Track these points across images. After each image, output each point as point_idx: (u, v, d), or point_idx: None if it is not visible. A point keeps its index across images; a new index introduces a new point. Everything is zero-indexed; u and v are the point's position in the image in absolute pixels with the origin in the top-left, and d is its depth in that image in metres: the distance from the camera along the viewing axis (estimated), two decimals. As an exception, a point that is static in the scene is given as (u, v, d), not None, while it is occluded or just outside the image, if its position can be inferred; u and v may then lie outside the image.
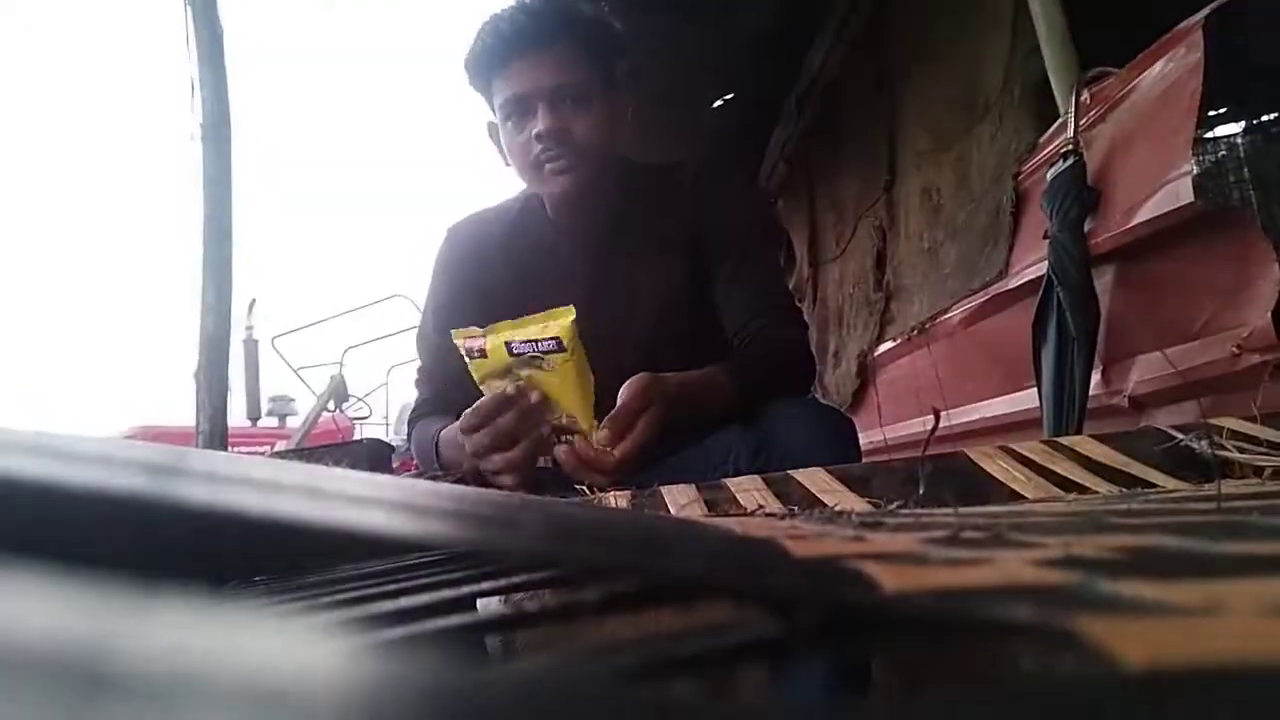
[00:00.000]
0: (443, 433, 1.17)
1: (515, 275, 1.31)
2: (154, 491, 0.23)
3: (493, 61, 1.19)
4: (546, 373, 0.99)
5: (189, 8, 2.25)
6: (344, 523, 0.23)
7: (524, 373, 0.99)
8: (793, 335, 1.25)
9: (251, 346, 4.62)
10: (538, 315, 1.00)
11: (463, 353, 1.04)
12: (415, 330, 1.41)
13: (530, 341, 0.97)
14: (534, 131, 1.17)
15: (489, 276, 1.32)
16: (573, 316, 0.97)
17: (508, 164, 1.26)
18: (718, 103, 3.34)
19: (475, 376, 1.04)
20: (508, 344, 0.99)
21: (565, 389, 1.00)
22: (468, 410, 1.03)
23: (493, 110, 1.25)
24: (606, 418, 1.00)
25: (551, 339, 0.97)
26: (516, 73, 1.18)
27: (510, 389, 0.99)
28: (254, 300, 4.69)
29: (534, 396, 1.00)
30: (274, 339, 4.78)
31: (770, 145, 3.79)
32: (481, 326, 1.35)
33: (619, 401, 1.01)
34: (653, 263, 1.29)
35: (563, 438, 1.02)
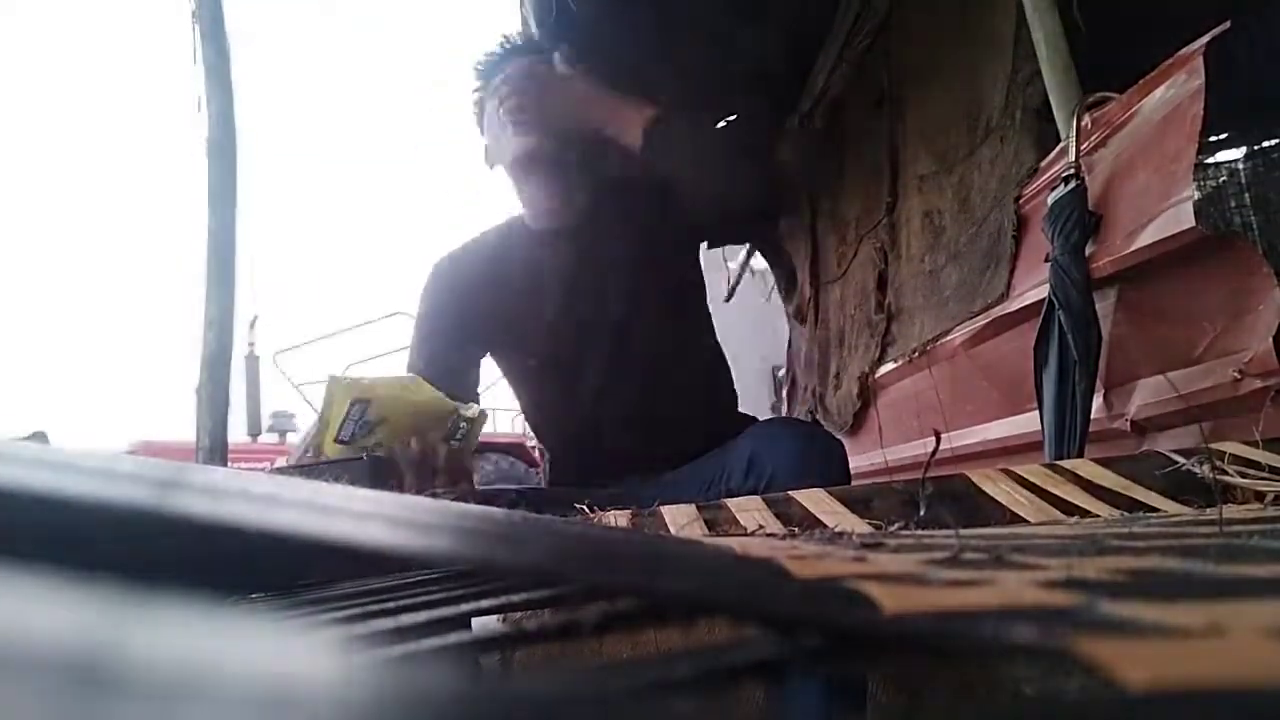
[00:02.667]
0: None
1: (499, 298, 1.37)
2: (154, 506, 0.23)
3: (488, 74, 1.34)
4: (385, 421, 1.00)
5: (196, 26, 2.27)
6: (345, 538, 0.23)
7: (370, 440, 1.01)
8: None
9: (253, 363, 4.63)
10: (325, 409, 1.01)
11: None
12: (406, 364, 1.44)
13: (348, 423, 0.99)
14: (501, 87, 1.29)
15: (474, 306, 1.37)
16: (344, 382, 0.99)
17: (489, 160, 1.38)
18: (720, 124, 3.35)
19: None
20: (337, 440, 1.00)
21: (405, 417, 1.02)
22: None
23: (485, 129, 1.39)
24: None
25: (356, 405, 0.98)
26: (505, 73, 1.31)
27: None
28: (256, 316, 4.71)
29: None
30: (276, 355, 4.79)
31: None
32: (471, 354, 1.39)
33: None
34: (627, 264, 1.33)
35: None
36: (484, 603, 0.29)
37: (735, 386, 1.44)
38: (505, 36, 1.35)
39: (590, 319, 1.32)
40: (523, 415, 1.55)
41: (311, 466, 0.98)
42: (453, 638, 0.24)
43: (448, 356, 1.36)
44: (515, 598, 0.28)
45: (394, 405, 1.00)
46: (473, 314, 1.37)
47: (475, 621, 0.28)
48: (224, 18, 2.29)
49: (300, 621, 0.30)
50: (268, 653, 0.11)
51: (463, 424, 1.06)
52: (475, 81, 1.36)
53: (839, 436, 2.85)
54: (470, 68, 1.35)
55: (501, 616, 0.28)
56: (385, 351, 4.97)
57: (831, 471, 1.03)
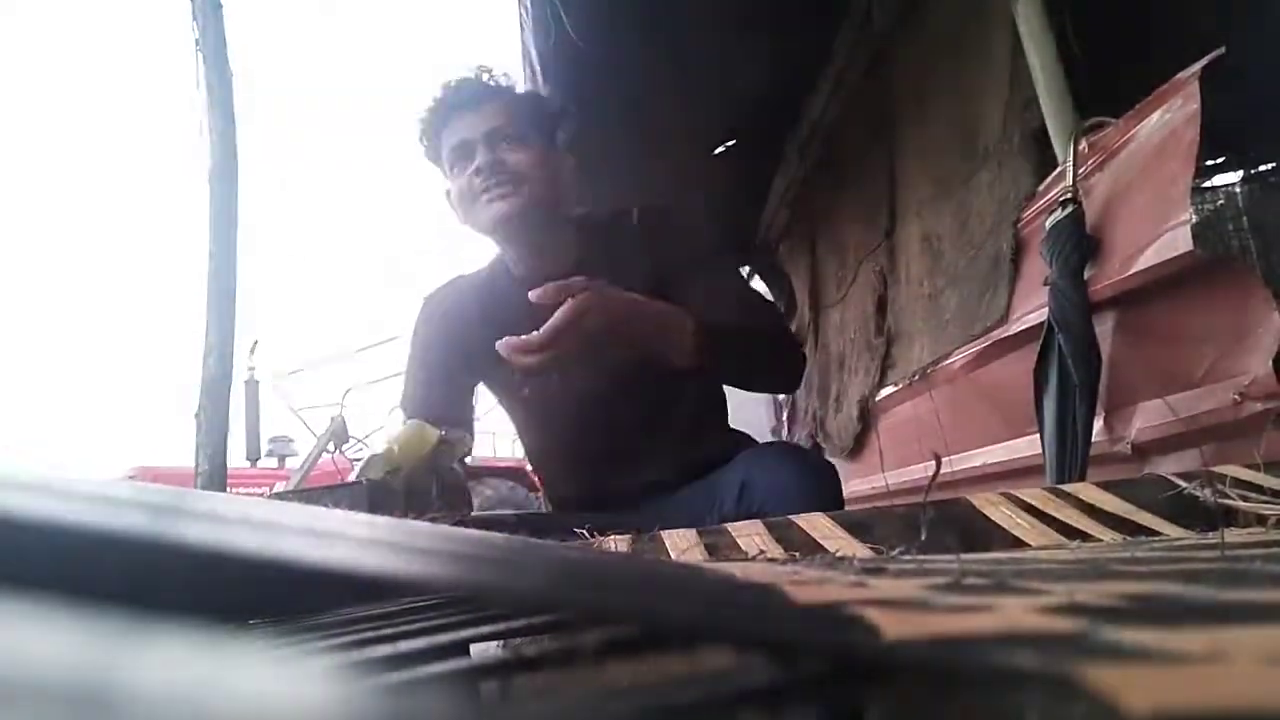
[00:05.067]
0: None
1: (486, 331, 1.35)
2: (153, 532, 0.23)
3: (438, 121, 1.31)
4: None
5: (200, 53, 2.28)
6: (344, 564, 0.23)
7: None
8: (767, 318, 1.31)
9: (252, 387, 4.62)
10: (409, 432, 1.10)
11: None
12: (400, 395, 1.46)
13: None
14: (473, 167, 1.25)
15: (464, 339, 1.37)
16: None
17: (463, 221, 1.33)
18: (719, 149, 3.37)
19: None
20: None
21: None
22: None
23: (447, 175, 1.34)
24: (544, 326, 1.02)
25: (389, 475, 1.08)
26: (457, 124, 1.29)
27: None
28: (256, 341, 4.70)
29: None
30: (275, 379, 4.79)
31: (772, 191, 3.82)
32: (460, 383, 1.42)
33: (560, 311, 1.02)
34: None
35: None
36: (483, 629, 0.29)
37: (726, 401, 1.45)
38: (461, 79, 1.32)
39: (581, 378, 1.31)
40: (520, 441, 1.55)
41: (309, 492, 1.01)
42: (451, 664, 0.24)
43: (441, 388, 1.38)
44: (515, 624, 0.28)
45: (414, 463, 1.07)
46: (463, 348, 1.37)
47: (474, 648, 0.28)
48: (227, 44, 2.31)
49: (298, 648, 0.30)
50: (266, 680, 0.11)
51: (442, 447, 1.09)
52: (422, 134, 1.33)
53: (840, 460, 2.85)
54: (418, 121, 1.34)
55: (501, 643, 0.28)
56: (384, 376, 4.97)
57: (824, 497, 1.03)
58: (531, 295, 1.02)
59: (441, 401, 1.36)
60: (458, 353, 1.38)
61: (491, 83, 1.32)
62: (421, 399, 1.37)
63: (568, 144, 1.36)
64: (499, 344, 1.02)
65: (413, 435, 1.08)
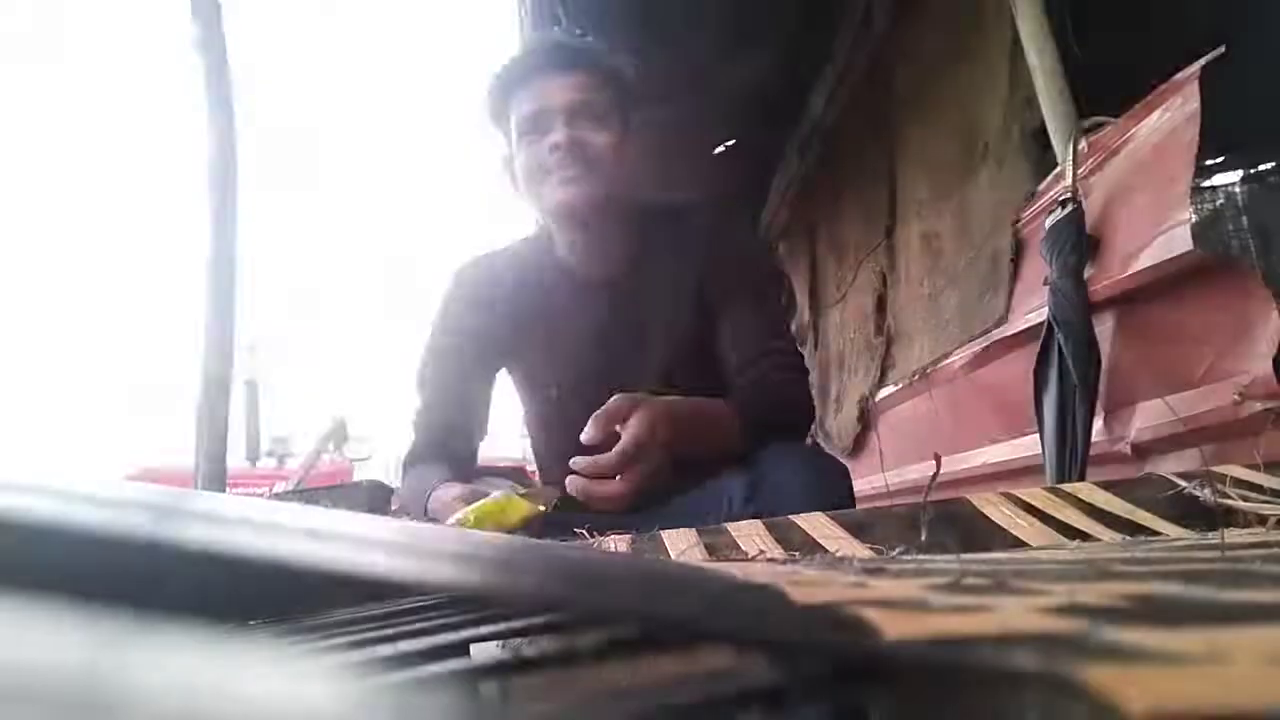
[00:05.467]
0: (437, 494, 1.14)
1: (520, 318, 1.31)
2: (153, 533, 0.23)
3: (514, 81, 1.23)
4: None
5: (200, 53, 2.28)
6: (345, 565, 0.23)
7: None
8: (793, 379, 1.26)
9: (252, 387, 4.63)
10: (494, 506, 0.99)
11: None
12: (415, 371, 1.37)
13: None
14: (550, 142, 1.18)
15: (493, 320, 1.31)
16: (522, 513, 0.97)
17: (518, 190, 1.26)
18: (720, 148, 3.37)
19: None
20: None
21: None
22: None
23: (508, 140, 1.26)
24: (616, 448, 1.00)
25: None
26: (537, 90, 1.21)
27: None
28: (256, 341, 4.70)
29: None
30: (275, 380, 4.79)
31: (772, 190, 3.82)
32: (483, 370, 1.34)
33: (627, 433, 1.00)
34: (660, 301, 1.29)
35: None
36: (483, 629, 0.29)
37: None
38: (529, 42, 1.29)
39: (617, 366, 1.27)
40: (527, 435, 1.51)
41: (309, 492, 0.98)
42: (452, 665, 0.24)
43: (457, 387, 1.32)
44: (515, 624, 0.28)
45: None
46: (489, 331, 1.31)
47: (474, 648, 0.28)
48: (227, 43, 2.31)
49: (299, 648, 0.30)
50: (266, 680, 0.11)
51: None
52: (493, 90, 1.25)
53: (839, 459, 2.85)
54: (492, 75, 1.25)
55: (501, 643, 0.28)
56: (384, 376, 4.97)
57: (836, 497, 1.02)
58: (584, 438, 1.00)
59: (457, 401, 1.31)
60: (482, 336, 1.31)
61: (579, 45, 1.26)
62: (437, 399, 1.31)
63: (638, 125, 1.29)
64: (570, 485, 1.01)
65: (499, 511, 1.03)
